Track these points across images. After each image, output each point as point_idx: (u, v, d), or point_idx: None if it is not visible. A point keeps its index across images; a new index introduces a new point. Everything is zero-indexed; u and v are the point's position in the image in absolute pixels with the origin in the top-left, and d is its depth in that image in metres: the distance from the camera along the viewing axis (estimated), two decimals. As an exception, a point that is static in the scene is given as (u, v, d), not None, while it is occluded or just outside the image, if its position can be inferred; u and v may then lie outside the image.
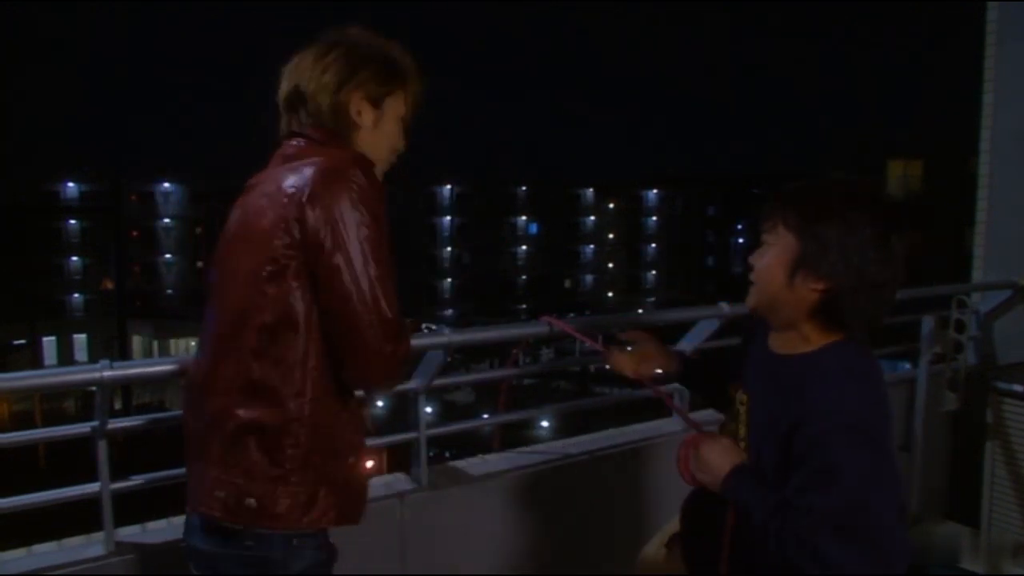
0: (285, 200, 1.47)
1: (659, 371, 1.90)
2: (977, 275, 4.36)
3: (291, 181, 1.48)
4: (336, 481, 1.54)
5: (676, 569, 1.68)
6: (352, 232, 1.44)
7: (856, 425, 1.37)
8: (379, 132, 1.65)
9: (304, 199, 1.44)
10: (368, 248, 1.44)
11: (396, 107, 1.67)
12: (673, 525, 1.83)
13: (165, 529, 2.14)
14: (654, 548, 1.87)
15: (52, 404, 28.04)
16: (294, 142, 1.60)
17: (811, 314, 1.49)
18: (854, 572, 1.31)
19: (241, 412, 1.49)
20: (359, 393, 1.62)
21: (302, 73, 1.61)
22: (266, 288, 1.48)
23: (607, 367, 1.94)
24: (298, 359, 1.48)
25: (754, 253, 1.57)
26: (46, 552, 2.05)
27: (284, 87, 1.64)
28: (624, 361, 1.88)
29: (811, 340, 1.51)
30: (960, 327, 3.76)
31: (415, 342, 2.47)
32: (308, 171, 1.48)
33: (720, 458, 1.51)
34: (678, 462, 1.58)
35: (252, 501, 1.48)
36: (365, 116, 1.62)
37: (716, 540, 1.54)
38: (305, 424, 1.49)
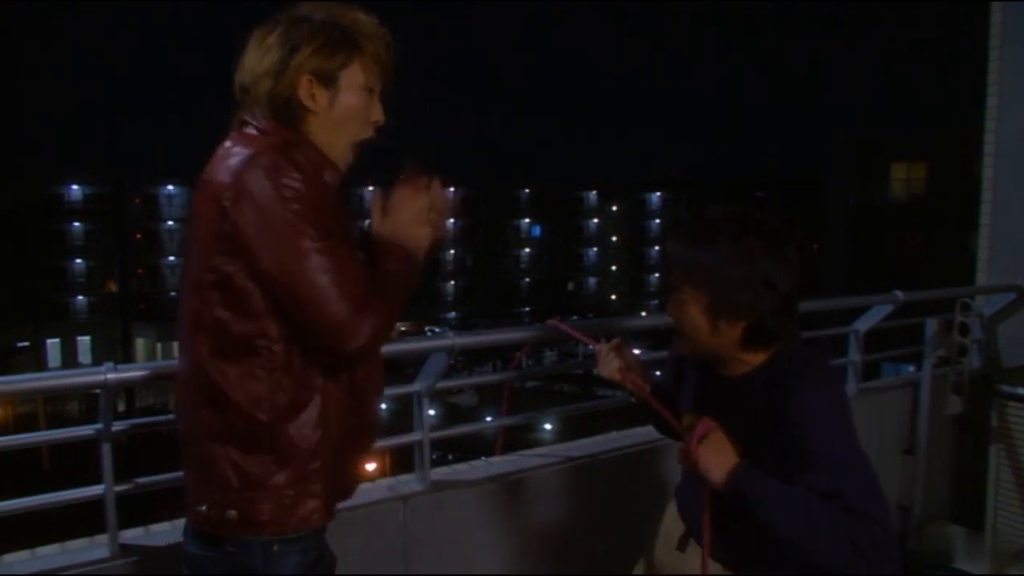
0: (214, 205, 1.42)
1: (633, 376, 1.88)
2: (981, 278, 4.35)
3: (220, 178, 1.43)
4: (319, 478, 1.50)
5: (698, 569, 1.66)
6: (275, 230, 1.38)
7: (830, 412, 1.46)
8: (338, 111, 1.53)
9: (228, 202, 1.39)
10: (295, 239, 1.37)
11: (355, 78, 1.53)
12: (672, 526, 1.81)
13: (169, 531, 2.13)
14: (665, 553, 1.84)
15: (56, 406, 28.05)
16: (235, 133, 1.52)
17: (744, 346, 1.57)
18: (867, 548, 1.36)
19: (205, 419, 1.47)
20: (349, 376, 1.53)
21: (246, 63, 1.52)
22: (209, 297, 1.44)
23: (595, 372, 1.93)
24: (252, 370, 1.44)
25: (670, 304, 1.64)
26: (50, 554, 2.05)
27: (236, 80, 1.54)
28: (611, 360, 1.86)
29: (753, 361, 1.58)
30: (964, 330, 3.75)
31: (417, 345, 2.47)
32: (232, 167, 1.42)
33: (731, 447, 1.53)
34: (690, 440, 1.54)
35: (233, 513, 1.46)
36: (319, 98, 1.51)
37: (749, 529, 1.53)
38: (273, 429, 1.45)
